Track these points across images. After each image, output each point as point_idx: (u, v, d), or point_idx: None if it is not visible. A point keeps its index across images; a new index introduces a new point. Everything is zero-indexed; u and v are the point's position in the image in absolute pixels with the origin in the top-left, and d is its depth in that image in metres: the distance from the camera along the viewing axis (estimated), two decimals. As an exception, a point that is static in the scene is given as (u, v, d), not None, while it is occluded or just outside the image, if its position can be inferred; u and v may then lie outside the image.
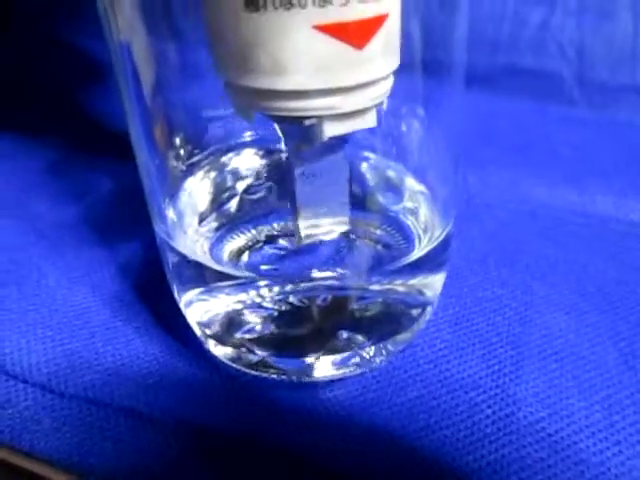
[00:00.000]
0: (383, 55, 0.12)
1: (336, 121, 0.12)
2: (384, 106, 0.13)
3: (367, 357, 0.16)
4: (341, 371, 0.16)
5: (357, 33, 0.11)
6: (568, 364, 0.17)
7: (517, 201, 0.25)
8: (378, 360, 0.16)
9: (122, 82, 0.14)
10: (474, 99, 0.32)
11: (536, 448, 0.15)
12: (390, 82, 0.13)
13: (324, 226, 0.15)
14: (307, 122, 0.12)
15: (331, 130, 0.12)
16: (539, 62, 0.34)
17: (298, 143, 0.13)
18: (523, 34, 0.34)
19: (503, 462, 0.14)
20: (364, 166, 0.18)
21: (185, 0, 0.15)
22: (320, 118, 0.12)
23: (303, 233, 0.15)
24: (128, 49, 0.13)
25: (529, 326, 0.18)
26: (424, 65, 0.15)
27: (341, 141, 0.14)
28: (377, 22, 0.11)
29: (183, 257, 0.15)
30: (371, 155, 0.18)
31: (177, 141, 0.17)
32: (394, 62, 0.12)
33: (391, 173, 0.18)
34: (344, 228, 0.15)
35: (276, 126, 0.13)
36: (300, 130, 0.12)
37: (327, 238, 0.15)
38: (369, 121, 0.13)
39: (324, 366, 0.15)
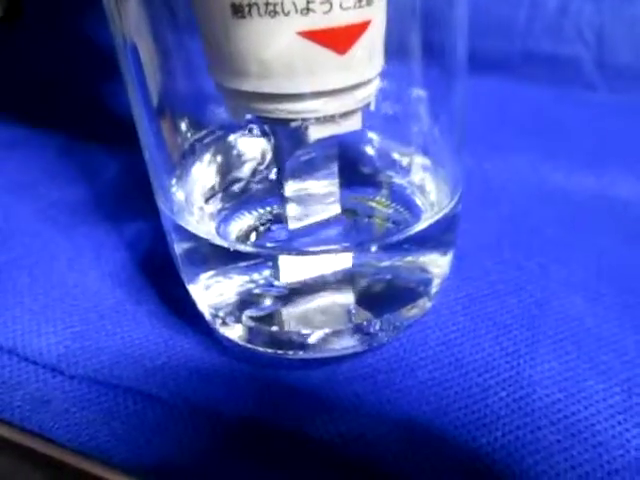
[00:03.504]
0: (366, 59, 0.12)
1: (320, 124, 0.12)
2: (371, 107, 0.13)
3: (373, 331, 0.15)
4: (349, 345, 0.15)
5: (340, 39, 0.11)
6: (585, 346, 0.16)
7: (535, 185, 0.25)
8: (385, 335, 0.16)
9: (126, 71, 0.14)
10: (491, 84, 0.31)
11: (552, 430, 0.14)
12: (376, 84, 0.13)
13: (315, 205, 0.15)
14: (292, 124, 0.12)
15: (316, 133, 0.12)
16: (557, 46, 0.33)
17: (287, 143, 0.14)
18: (541, 18, 0.33)
19: (517, 444, 0.14)
20: (369, 147, 0.18)
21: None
22: (305, 121, 0.12)
23: (292, 215, 0.15)
24: (132, 37, 0.13)
25: (545, 309, 0.18)
26: (425, 47, 0.15)
27: (331, 151, 0.14)
28: (360, 28, 0.11)
29: (191, 239, 0.15)
30: (376, 136, 0.18)
31: (182, 127, 0.17)
32: (378, 65, 0.13)
33: (396, 153, 0.18)
34: (336, 204, 0.15)
35: (266, 127, 0.14)
36: (288, 132, 0.13)
37: (324, 216, 0.15)
38: (354, 124, 0.13)
39: (332, 341, 0.15)
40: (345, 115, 0.13)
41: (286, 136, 0.14)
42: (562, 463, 0.14)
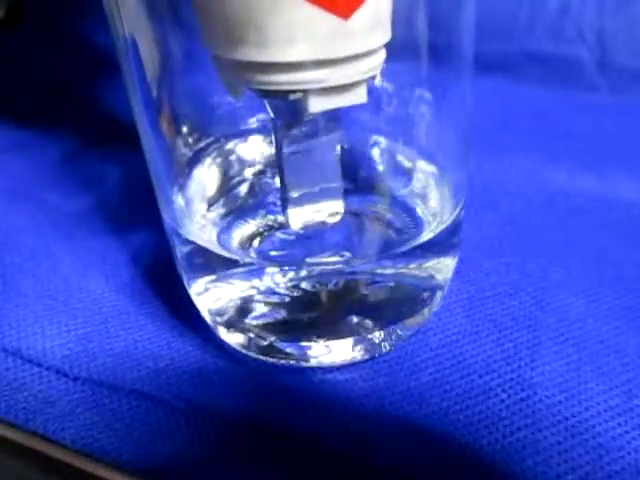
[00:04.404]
0: (371, 27, 0.11)
1: (322, 96, 0.12)
2: (376, 82, 0.13)
3: (376, 342, 0.15)
4: (350, 356, 0.15)
5: (342, 2, 0.10)
6: (586, 348, 0.17)
7: (535, 187, 0.25)
8: (387, 345, 0.16)
9: (127, 73, 0.14)
10: (492, 85, 0.31)
11: (552, 432, 0.14)
12: (382, 56, 0.12)
13: (318, 211, 0.15)
14: (292, 96, 0.12)
15: (316, 105, 0.12)
16: (558, 47, 0.34)
17: (286, 120, 0.13)
18: (542, 19, 0.33)
19: (518, 445, 0.14)
20: (373, 150, 0.18)
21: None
22: (305, 92, 0.11)
23: (293, 219, 0.15)
24: (132, 39, 0.13)
25: (546, 310, 0.18)
26: (431, 49, 0.14)
27: (332, 122, 0.13)
28: None
29: (193, 245, 0.15)
30: (380, 139, 0.18)
31: (184, 129, 0.17)
32: (384, 35, 0.12)
33: (400, 157, 0.18)
34: (339, 211, 0.15)
35: (265, 102, 0.13)
36: (287, 106, 0.12)
37: (330, 221, 0.15)
38: (358, 97, 0.12)
39: (333, 351, 0.15)
40: (349, 87, 0.12)
41: (286, 113, 0.13)
42: (562, 464, 0.14)
